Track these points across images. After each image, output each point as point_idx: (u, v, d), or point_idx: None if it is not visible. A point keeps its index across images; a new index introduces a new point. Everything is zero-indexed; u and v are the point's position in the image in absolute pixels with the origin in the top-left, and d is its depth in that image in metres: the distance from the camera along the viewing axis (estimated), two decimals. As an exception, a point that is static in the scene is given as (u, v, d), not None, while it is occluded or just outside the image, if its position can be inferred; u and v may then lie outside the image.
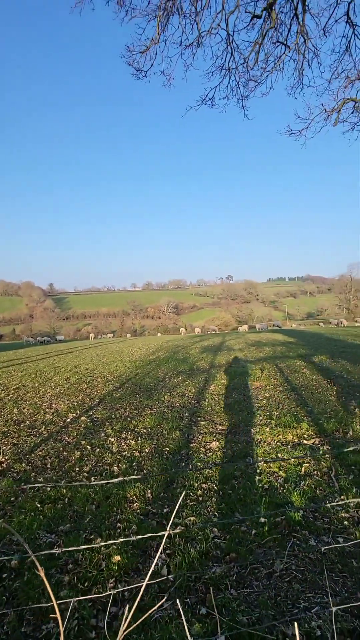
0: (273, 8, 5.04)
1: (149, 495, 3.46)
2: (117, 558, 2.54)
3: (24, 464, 4.30)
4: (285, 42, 6.12)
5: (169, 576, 2.41)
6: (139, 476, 3.59)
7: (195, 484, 3.60)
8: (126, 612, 0.97)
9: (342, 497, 3.21)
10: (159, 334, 63.13)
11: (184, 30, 6.90)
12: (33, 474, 4.04)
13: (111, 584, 2.36)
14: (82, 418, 6.04)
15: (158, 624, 2.04)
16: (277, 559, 2.49)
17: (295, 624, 1.04)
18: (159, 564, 2.51)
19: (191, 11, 6.71)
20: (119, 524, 3.01)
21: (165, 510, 3.17)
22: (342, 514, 2.95)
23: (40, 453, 4.63)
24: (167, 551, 2.63)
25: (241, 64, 6.99)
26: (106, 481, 1.66)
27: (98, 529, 2.94)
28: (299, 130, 6.97)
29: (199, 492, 3.47)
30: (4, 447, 4.87)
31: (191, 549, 2.61)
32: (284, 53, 6.24)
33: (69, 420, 6.01)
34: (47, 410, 6.69)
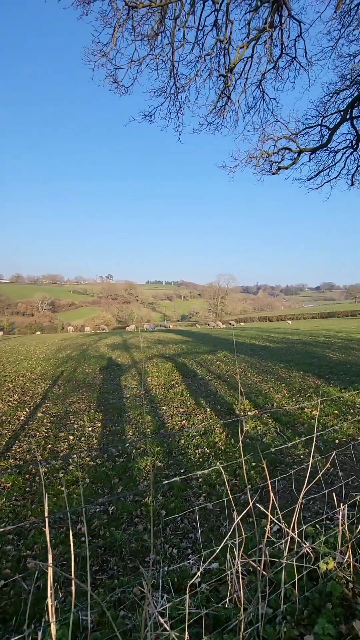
0: (233, 72, 6.33)
1: (160, 464, 4.11)
2: (174, 504, 3.20)
3: (11, 460, 4.18)
4: (229, 95, 7.56)
5: (216, 508, 3.25)
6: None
7: (191, 451, 4.43)
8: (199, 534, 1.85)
9: (292, 443, 4.65)
10: (38, 333, 57.52)
11: (136, 48, 7.57)
12: (31, 465, 4.03)
13: (179, 519, 3.02)
14: (38, 414, 5.88)
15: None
16: (277, 482, 3.65)
17: (341, 505, 2.15)
18: (203, 502, 3.30)
19: (146, 34, 7.46)
20: (150, 487, 3.59)
21: (182, 470, 3.91)
22: (297, 452, 4.36)
23: (19, 449, 4.51)
24: (204, 494, 3.44)
25: (180, 92, 8.15)
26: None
27: (136, 491, 3.46)
28: (230, 167, 8.62)
29: (197, 455, 4.33)
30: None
31: (219, 490, 3.50)
32: (226, 104, 7.68)
33: (23, 418, 5.75)
34: (-14, 411, 6.10)
